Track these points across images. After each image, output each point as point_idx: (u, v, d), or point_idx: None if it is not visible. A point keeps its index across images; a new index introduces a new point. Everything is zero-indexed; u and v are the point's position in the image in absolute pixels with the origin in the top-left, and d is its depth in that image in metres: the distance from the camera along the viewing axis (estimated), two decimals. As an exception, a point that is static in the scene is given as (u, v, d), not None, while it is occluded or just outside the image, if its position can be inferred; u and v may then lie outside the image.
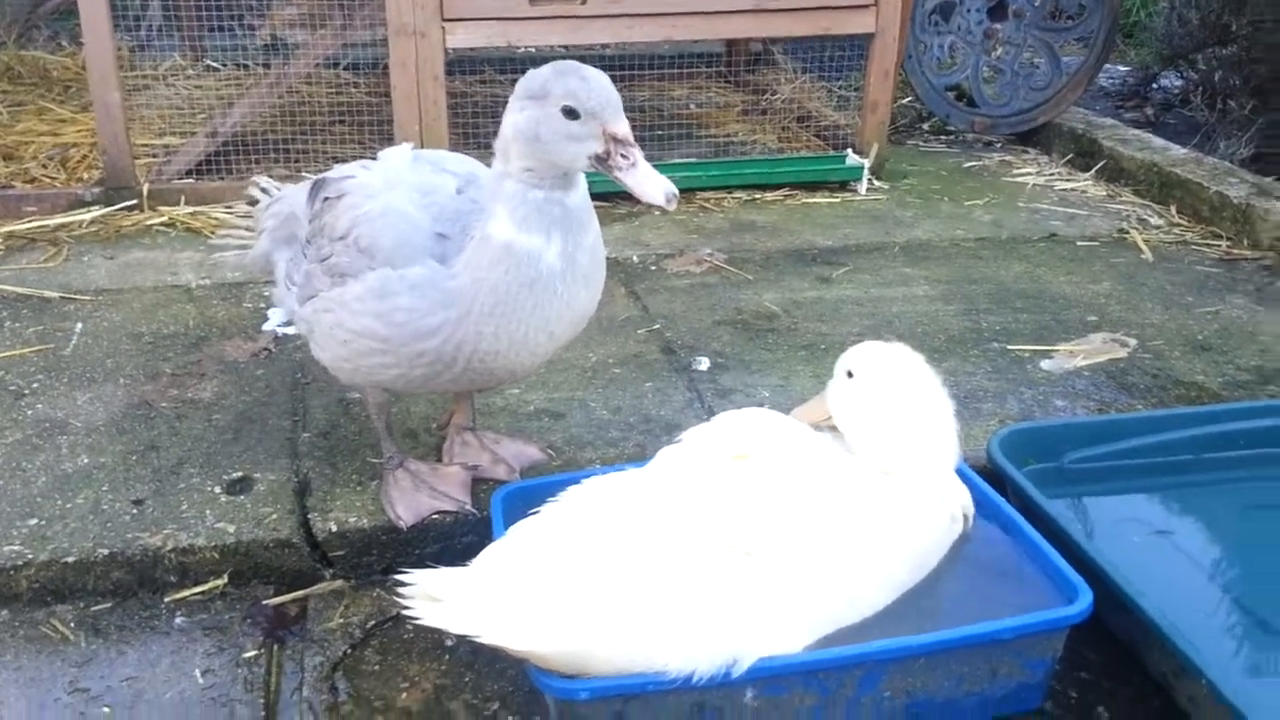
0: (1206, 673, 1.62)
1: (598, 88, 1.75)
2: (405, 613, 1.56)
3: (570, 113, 1.74)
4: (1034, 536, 1.86)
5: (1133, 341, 2.94)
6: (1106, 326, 3.04)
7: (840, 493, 1.77)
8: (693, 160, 4.28)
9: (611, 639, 1.54)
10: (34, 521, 2.11)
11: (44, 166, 4.04)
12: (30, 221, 3.64)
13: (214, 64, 5.14)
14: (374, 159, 2.13)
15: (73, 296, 3.13)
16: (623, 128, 1.75)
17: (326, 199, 2.04)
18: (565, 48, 5.03)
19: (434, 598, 1.56)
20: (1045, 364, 2.81)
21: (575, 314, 1.92)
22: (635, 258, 3.53)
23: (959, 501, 1.90)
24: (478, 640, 1.52)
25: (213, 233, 3.56)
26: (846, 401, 1.89)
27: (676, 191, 1.76)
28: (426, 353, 1.89)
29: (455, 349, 1.88)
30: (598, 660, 1.55)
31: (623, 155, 1.75)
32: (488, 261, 1.84)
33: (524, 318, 1.85)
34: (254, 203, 2.43)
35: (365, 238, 1.92)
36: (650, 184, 1.75)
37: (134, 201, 3.76)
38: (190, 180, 3.89)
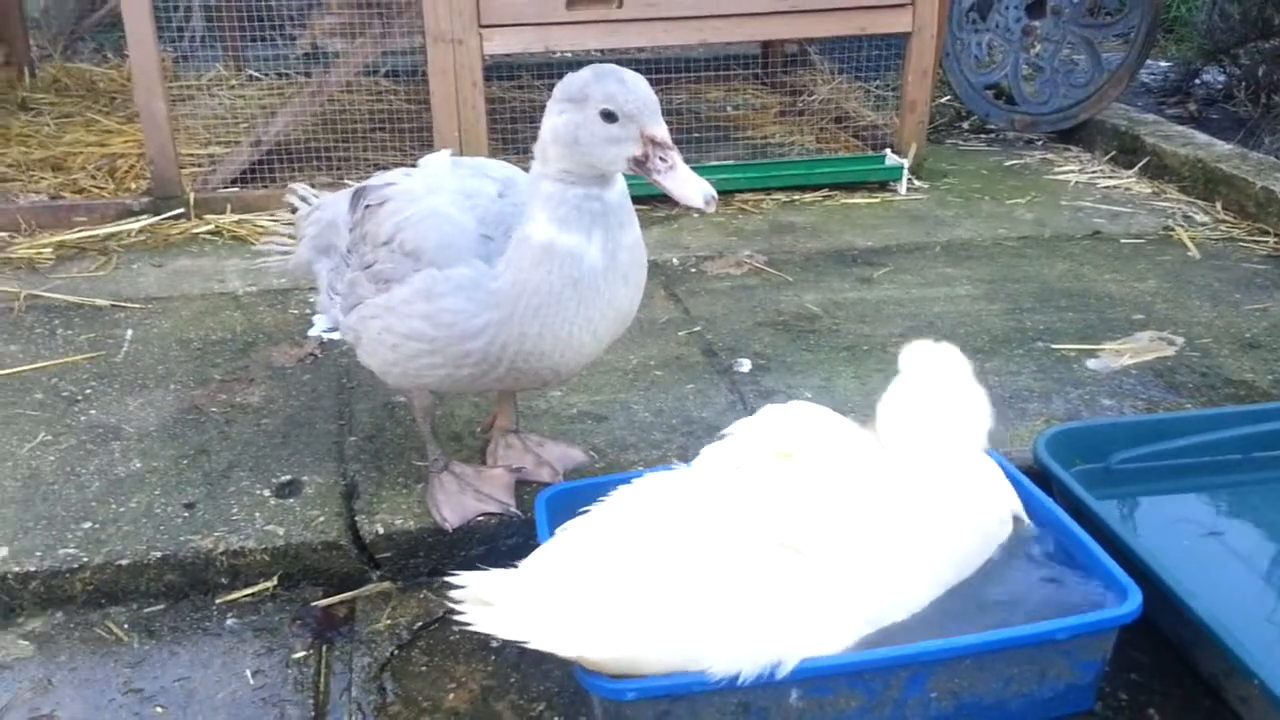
0: (1258, 673, 1.60)
1: (636, 91, 1.76)
2: (457, 618, 1.57)
3: (609, 116, 1.75)
4: (1082, 537, 1.84)
5: (1180, 340, 2.91)
6: (1153, 325, 3.01)
7: (885, 489, 1.77)
8: (730, 162, 4.28)
9: (661, 643, 1.55)
10: (88, 525, 2.15)
11: (92, 177, 4.12)
12: (80, 231, 3.71)
13: (255, 74, 5.21)
14: (414, 166, 2.15)
15: (123, 304, 3.19)
16: (661, 131, 1.76)
17: (368, 206, 2.07)
18: (601, 51, 5.04)
19: (485, 601, 1.57)
20: (1091, 363, 2.78)
21: (617, 313, 1.93)
22: (675, 260, 3.54)
23: (1008, 504, 1.89)
24: (528, 646, 1.53)
25: (258, 240, 3.63)
26: (893, 397, 1.90)
27: (715, 194, 1.76)
28: (473, 353, 1.91)
29: (500, 349, 1.90)
30: (647, 663, 1.55)
31: (661, 158, 1.76)
32: (529, 263, 1.85)
33: (568, 317, 1.87)
34: (295, 210, 2.47)
35: (410, 241, 1.94)
36: (689, 186, 1.76)
37: (181, 210, 3.82)
38: (235, 189, 3.95)
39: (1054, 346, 2.87)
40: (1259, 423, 2.29)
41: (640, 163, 1.77)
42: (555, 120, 1.81)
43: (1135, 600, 1.68)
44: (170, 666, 1.92)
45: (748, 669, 1.55)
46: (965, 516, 1.81)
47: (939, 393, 1.88)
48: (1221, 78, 5.76)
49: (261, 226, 3.75)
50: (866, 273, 3.41)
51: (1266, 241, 3.66)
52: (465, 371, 1.95)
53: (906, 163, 4.20)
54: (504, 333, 1.88)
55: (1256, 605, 1.90)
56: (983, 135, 5.03)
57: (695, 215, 3.92)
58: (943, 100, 5.25)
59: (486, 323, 1.88)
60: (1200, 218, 3.90)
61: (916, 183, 4.26)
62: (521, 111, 4.53)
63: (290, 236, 2.51)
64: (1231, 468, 2.26)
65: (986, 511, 1.85)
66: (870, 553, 1.69)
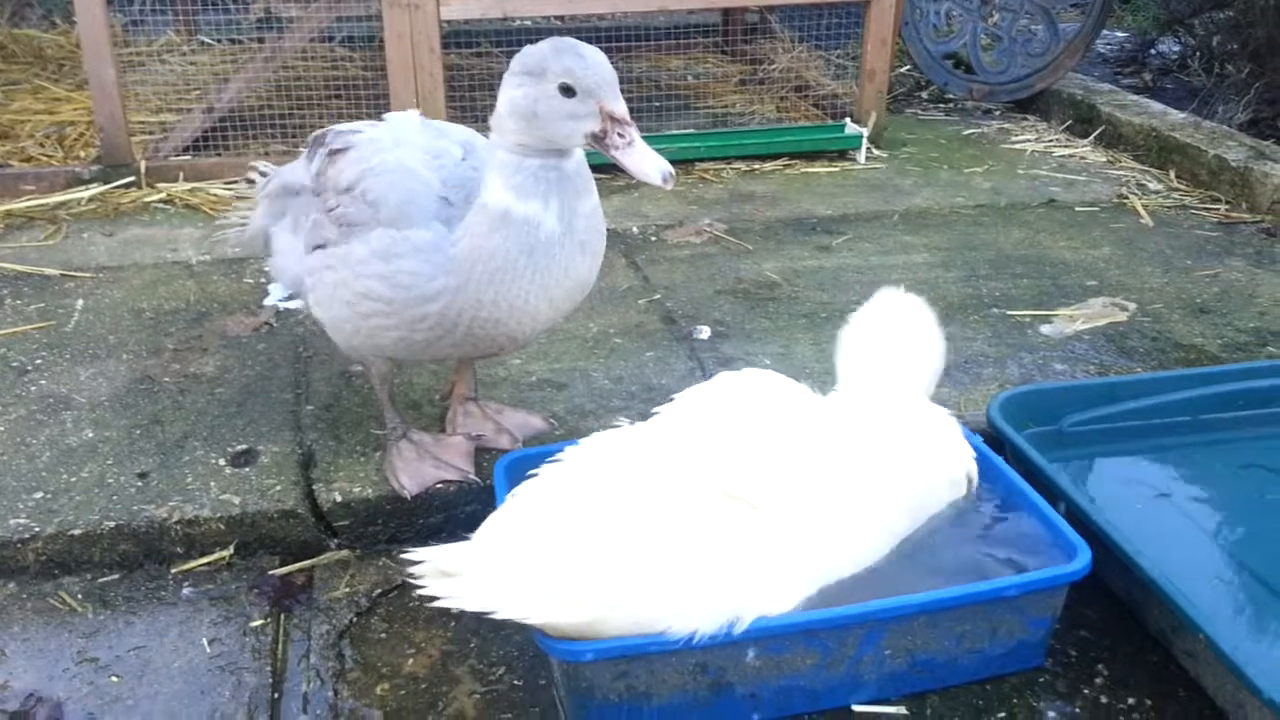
0: (1204, 627, 1.63)
1: (595, 66, 1.74)
2: (420, 592, 1.56)
3: (567, 90, 1.74)
4: (1034, 497, 1.87)
5: (1132, 305, 2.95)
6: (1106, 291, 3.05)
7: (833, 443, 1.79)
8: (691, 131, 4.27)
9: (624, 604, 1.55)
10: (40, 495, 2.12)
11: (41, 145, 4.04)
12: (29, 200, 3.64)
13: (207, 40, 5.12)
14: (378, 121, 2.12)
15: (73, 274, 3.14)
16: (620, 107, 1.75)
17: (333, 151, 2.03)
18: (561, 19, 5.00)
19: (447, 572, 1.57)
20: (1045, 329, 2.81)
21: (574, 282, 1.92)
22: (635, 229, 3.53)
23: (962, 462, 1.92)
24: (494, 616, 1.53)
25: (212, 209, 3.58)
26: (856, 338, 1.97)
27: (673, 171, 1.76)
28: (428, 316, 1.90)
29: (456, 315, 1.89)
30: (610, 625, 1.56)
31: (619, 134, 1.75)
32: (486, 229, 1.84)
33: (523, 285, 1.86)
34: (253, 184, 2.44)
35: (373, 190, 1.92)
36: (647, 163, 1.75)
37: (132, 179, 3.75)
38: (188, 157, 3.88)
39: (1009, 313, 2.90)
40: (1208, 386, 2.34)
41: (599, 138, 1.76)
42: (513, 93, 1.79)
43: (1084, 558, 1.72)
44: (125, 636, 1.90)
45: (705, 626, 1.56)
46: (914, 465, 1.84)
47: (897, 334, 1.94)
48: (1176, 48, 5.83)
49: (215, 195, 3.70)
50: (826, 241, 3.43)
51: (1217, 209, 3.72)
52: (420, 335, 1.94)
53: (866, 132, 4.21)
54: (460, 299, 1.87)
55: (1203, 563, 1.94)
56: (941, 104, 5.06)
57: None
58: (902, 70, 5.27)
59: (443, 287, 1.87)
60: (1154, 186, 3.95)
61: (876, 151, 4.28)
62: (480, 80, 4.48)
63: (249, 210, 2.47)
64: (1181, 430, 2.31)
65: (936, 463, 1.89)
66: (820, 503, 1.71)
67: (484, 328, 1.91)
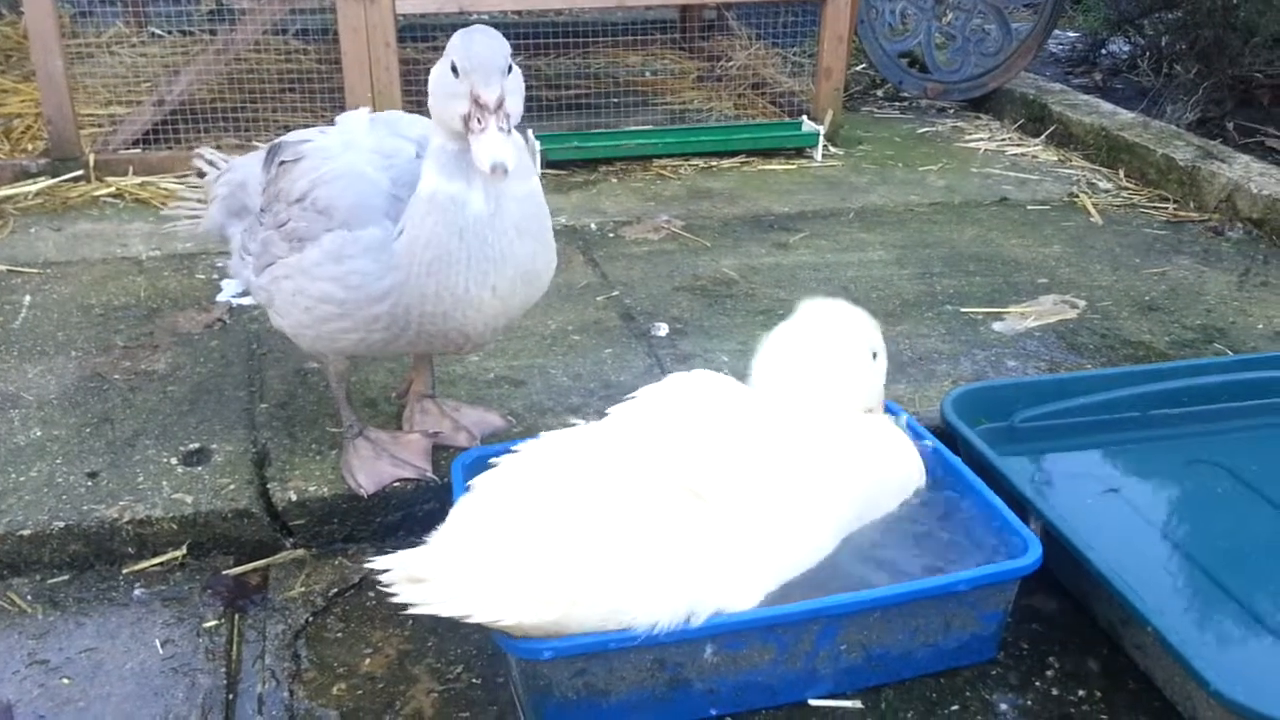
0: (1153, 620, 1.67)
1: (477, 49, 1.73)
2: (394, 600, 1.54)
3: (453, 69, 1.75)
4: (985, 493, 1.90)
5: (1082, 303, 3.00)
6: (1057, 288, 3.09)
7: (784, 439, 1.80)
8: (649, 128, 4.27)
9: (592, 599, 1.55)
10: (-14, 496, 2.08)
11: (-14, 137, 3.96)
12: (-27, 193, 3.56)
13: (158, 31, 5.04)
14: (330, 125, 2.11)
15: (20, 269, 3.08)
16: (486, 93, 1.72)
17: (283, 163, 2.02)
18: (518, 13, 4.97)
19: (416, 578, 1.55)
20: (997, 325, 2.85)
21: (515, 270, 1.89)
22: (593, 225, 3.53)
23: (913, 462, 1.94)
24: (468, 621, 1.51)
25: (163, 204, 3.53)
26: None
27: (506, 165, 1.69)
28: (380, 316, 1.89)
29: (405, 312, 1.88)
30: (576, 621, 1.56)
31: (477, 120, 1.72)
32: (419, 216, 1.83)
33: (460, 272, 1.84)
34: (203, 175, 2.41)
35: (323, 198, 1.90)
36: (483, 150, 1.70)
37: (80, 172, 3.69)
38: (138, 150, 3.82)
39: (962, 310, 2.94)
40: (1156, 382, 2.39)
41: (465, 121, 1.74)
42: (433, 71, 1.80)
43: (1035, 553, 1.75)
44: (76, 637, 1.88)
45: (669, 616, 1.57)
46: (863, 460, 1.86)
47: (814, 349, 1.91)
48: (1126, 48, 5.92)
49: (165, 189, 3.64)
50: (782, 238, 3.45)
51: (1166, 208, 3.79)
52: (376, 335, 1.92)
53: (822, 129, 4.24)
54: (406, 294, 1.86)
55: (1151, 557, 1.98)
56: (896, 103, 5.10)
57: (614, 181, 3.91)
58: (858, 68, 5.31)
59: (390, 285, 1.86)
60: (1103, 184, 4.02)
61: (832, 149, 4.31)
62: (437, 74, 4.45)
63: (200, 200, 2.44)
64: (1129, 425, 2.35)
65: (886, 459, 1.91)
66: (772, 497, 1.72)
67: (434, 323, 1.89)
